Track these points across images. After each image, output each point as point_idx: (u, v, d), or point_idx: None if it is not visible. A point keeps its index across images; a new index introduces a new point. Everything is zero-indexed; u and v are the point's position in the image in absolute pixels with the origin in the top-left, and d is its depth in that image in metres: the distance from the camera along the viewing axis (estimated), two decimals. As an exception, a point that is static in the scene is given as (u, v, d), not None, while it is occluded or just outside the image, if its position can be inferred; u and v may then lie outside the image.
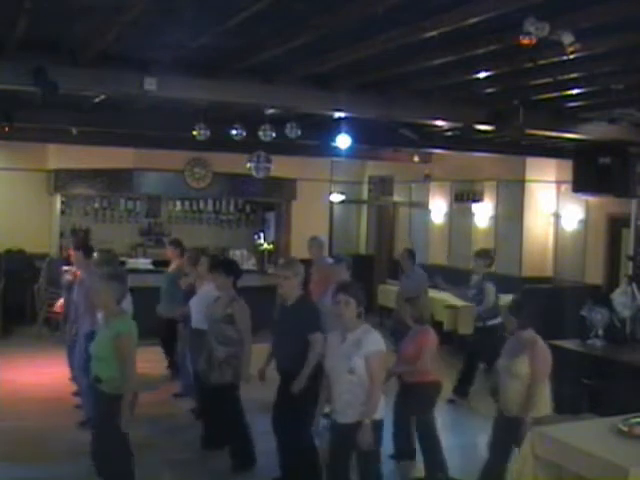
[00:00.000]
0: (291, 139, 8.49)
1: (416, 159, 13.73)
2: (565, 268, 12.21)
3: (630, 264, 10.08)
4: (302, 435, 5.69)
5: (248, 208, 15.46)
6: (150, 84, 6.32)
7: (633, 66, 5.98)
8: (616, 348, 7.69)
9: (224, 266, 6.68)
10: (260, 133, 8.49)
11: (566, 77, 6.45)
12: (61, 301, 8.68)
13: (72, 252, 7.94)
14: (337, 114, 8.03)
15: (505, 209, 12.71)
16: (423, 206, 14.57)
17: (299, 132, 8.38)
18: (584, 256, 11.81)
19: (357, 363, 4.72)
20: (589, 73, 6.37)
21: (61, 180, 13.03)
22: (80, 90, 6.80)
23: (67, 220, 13.80)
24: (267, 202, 15.22)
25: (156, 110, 9.14)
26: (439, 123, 8.76)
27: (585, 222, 11.83)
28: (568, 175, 10.49)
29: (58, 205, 13.38)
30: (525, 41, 4.55)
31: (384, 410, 4.96)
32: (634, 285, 8.07)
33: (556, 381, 5.43)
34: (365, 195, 16.46)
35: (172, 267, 9.19)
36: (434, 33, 4.98)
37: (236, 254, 13.80)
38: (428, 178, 14.21)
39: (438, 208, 14.21)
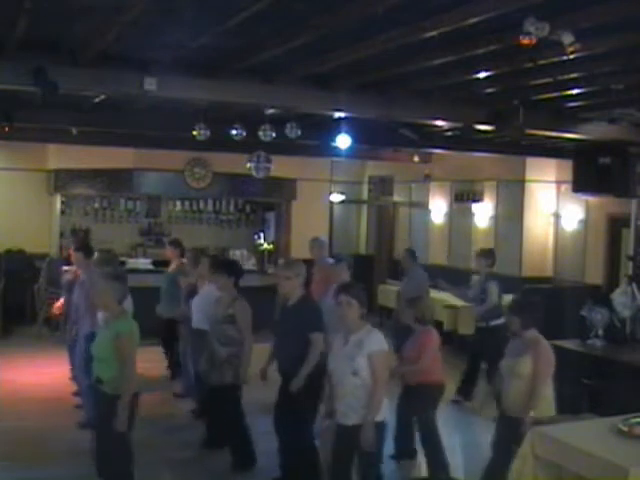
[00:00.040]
0: (291, 139, 8.48)
1: (416, 159, 13.72)
2: (565, 268, 12.20)
3: (630, 264, 10.08)
4: (303, 435, 5.69)
5: (248, 208, 15.46)
6: (150, 84, 6.32)
7: (633, 66, 5.98)
8: (616, 348, 7.68)
9: (226, 266, 6.68)
10: (260, 133, 8.49)
11: (566, 77, 6.45)
12: (59, 302, 8.68)
13: (72, 253, 7.95)
14: (337, 114, 8.03)
15: (505, 209, 12.71)
16: (423, 206, 14.57)
17: (299, 132, 8.38)
18: (584, 256, 11.81)
19: (360, 364, 4.70)
20: (589, 73, 6.37)
21: (61, 180, 13.03)
22: (80, 90, 6.81)
23: (67, 220, 13.81)
24: (267, 202, 15.22)
25: (156, 110, 9.14)
26: (439, 123, 8.76)
27: (585, 222, 11.82)
28: (568, 175, 10.49)
29: (58, 205, 13.38)
30: (525, 41, 4.55)
31: (387, 412, 4.94)
32: (634, 285, 8.06)
33: (556, 381, 5.41)
34: (365, 195, 16.46)
35: (172, 267, 9.19)
36: (434, 33, 4.98)
37: (236, 254, 13.79)
38: (428, 178, 14.20)
39: (438, 208, 14.21)
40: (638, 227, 10.30)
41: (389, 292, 12.62)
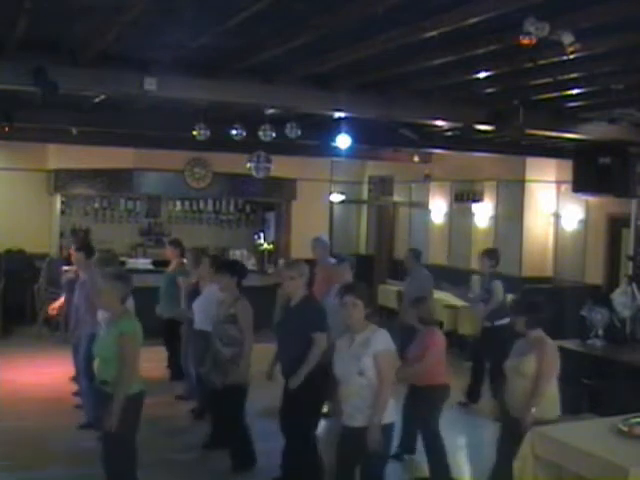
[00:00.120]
0: (291, 139, 8.49)
1: (416, 159, 13.73)
2: (565, 268, 12.20)
3: (630, 264, 10.09)
4: (305, 436, 5.69)
5: (248, 208, 15.47)
6: (150, 84, 6.32)
7: (633, 66, 5.98)
8: (616, 348, 7.68)
9: (229, 267, 6.68)
10: (260, 133, 8.49)
11: (566, 77, 6.45)
12: (56, 303, 8.67)
13: (73, 253, 7.94)
14: (337, 114, 8.03)
15: (505, 209, 12.71)
16: (423, 206, 14.57)
17: (299, 132, 8.38)
18: (584, 256, 11.81)
19: (366, 364, 4.68)
20: (589, 73, 6.37)
21: (61, 180, 13.03)
22: (80, 90, 6.81)
23: (67, 220, 13.82)
24: (267, 202, 15.23)
25: (156, 110, 9.14)
26: (439, 123, 8.76)
27: (585, 222, 11.83)
28: (568, 175, 10.49)
29: (58, 205, 13.39)
30: (525, 41, 4.55)
31: (394, 414, 4.92)
32: (634, 285, 8.06)
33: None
34: (365, 195, 16.46)
35: (172, 267, 9.18)
36: (434, 33, 4.98)
37: (236, 254, 13.80)
38: (428, 178, 14.21)
39: (438, 208, 14.21)
40: (638, 227, 10.31)
41: (389, 292, 12.62)
